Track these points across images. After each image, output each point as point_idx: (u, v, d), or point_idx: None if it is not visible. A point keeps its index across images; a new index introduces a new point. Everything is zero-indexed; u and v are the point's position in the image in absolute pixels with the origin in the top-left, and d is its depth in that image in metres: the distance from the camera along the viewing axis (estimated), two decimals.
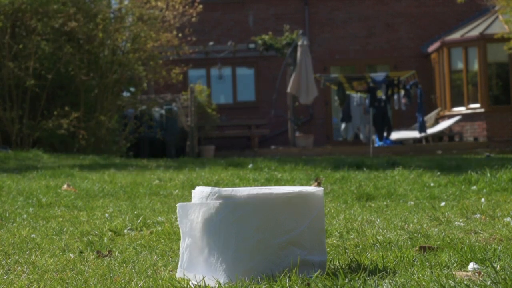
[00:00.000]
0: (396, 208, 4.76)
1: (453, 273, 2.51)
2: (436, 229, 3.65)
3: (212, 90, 21.54)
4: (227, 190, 2.57)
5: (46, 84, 13.35)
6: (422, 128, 17.92)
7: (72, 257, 3.19)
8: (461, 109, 20.19)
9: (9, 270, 2.92)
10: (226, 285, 2.47)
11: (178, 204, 2.69)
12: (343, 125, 17.66)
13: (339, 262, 2.84)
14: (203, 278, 2.52)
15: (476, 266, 2.61)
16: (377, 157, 11.89)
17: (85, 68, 13.72)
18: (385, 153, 16.43)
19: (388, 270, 2.60)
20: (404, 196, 5.43)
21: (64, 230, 4.01)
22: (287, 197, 2.59)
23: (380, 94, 16.94)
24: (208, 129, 19.17)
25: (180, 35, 15.38)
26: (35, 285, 2.64)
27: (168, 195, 5.92)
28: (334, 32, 22.21)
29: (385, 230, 3.66)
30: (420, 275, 2.45)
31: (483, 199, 5.08)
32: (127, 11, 14.62)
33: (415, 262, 2.76)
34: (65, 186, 6.42)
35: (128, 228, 4.00)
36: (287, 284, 2.38)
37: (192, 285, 2.50)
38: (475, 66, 20.25)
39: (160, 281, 2.58)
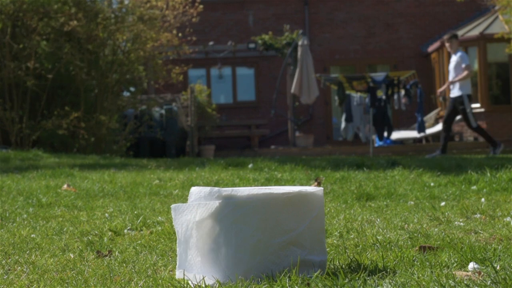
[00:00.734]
0: (396, 208, 4.76)
1: (453, 273, 2.51)
2: (436, 229, 3.65)
3: (212, 90, 21.55)
4: (227, 190, 2.57)
5: (46, 84, 13.35)
6: (421, 128, 17.91)
7: (72, 257, 3.19)
8: None
9: (9, 270, 2.92)
10: (226, 285, 2.47)
11: (172, 206, 2.69)
12: (343, 125, 17.66)
13: (339, 262, 2.85)
14: (203, 278, 2.52)
15: (476, 266, 2.61)
16: (377, 157, 11.89)
17: (85, 68, 13.72)
18: (385, 153, 16.43)
19: (388, 270, 2.60)
20: (404, 196, 5.43)
21: (64, 230, 4.01)
22: (287, 197, 2.59)
23: (380, 94, 16.94)
24: (208, 129, 19.17)
25: (180, 35, 15.38)
26: (35, 285, 2.64)
27: (168, 195, 5.92)
28: (334, 32, 22.22)
29: (385, 230, 3.66)
30: (420, 275, 2.45)
31: (483, 199, 5.08)
32: (128, 11, 14.62)
33: (415, 262, 2.76)
34: (65, 186, 6.42)
35: (128, 228, 4.00)
36: (287, 284, 2.38)
37: (192, 285, 2.50)
38: (475, 66, 20.25)
39: (160, 281, 2.58)
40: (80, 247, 3.45)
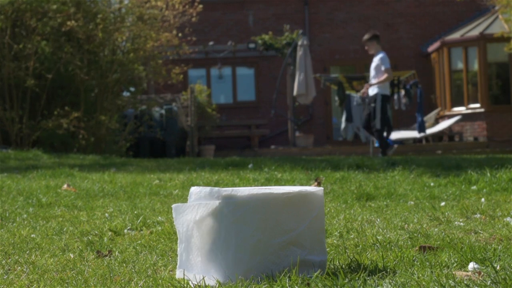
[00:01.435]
0: (396, 208, 4.76)
1: (453, 273, 2.51)
2: (436, 229, 3.65)
3: (212, 90, 21.55)
4: (227, 190, 2.57)
5: (46, 84, 13.35)
6: (421, 128, 17.92)
7: (72, 257, 3.19)
8: (461, 109, 20.20)
9: (9, 270, 2.92)
10: (226, 285, 2.47)
11: (173, 206, 2.69)
12: (343, 125, 17.66)
13: (339, 262, 2.85)
14: (203, 278, 2.52)
15: (476, 266, 2.61)
16: (377, 157, 11.88)
17: (85, 68, 13.72)
18: None
19: (388, 270, 2.60)
20: (404, 196, 5.43)
21: (64, 230, 4.01)
22: (287, 197, 2.59)
23: None
24: (208, 129, 19.18)
25: (180, 35, 15.38)
26: (35, 285, 2.64)
27: (168, 195, 5.92)
28: (334, 32, 22.22)
29: (385, 230, 3.66)
30: (420, 275, 2.45)
31: (483, 199, 5.08)
32: (127, 10, 14.61)
33: (415, 262, 2.76)
34: (65, 186, 6.42)
35: (128, 228, 4.00)
36: (287, 284, 2.38)
37: (192, 285, 2.50)
38: (475, 66, 20.25)
39: (160, 281, 2.58)
40: (80, 247, 3.45)
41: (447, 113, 20.41)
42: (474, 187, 5.80)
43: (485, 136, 19.57)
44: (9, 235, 3.84)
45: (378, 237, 3.39)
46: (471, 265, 2.62)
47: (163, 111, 16.62)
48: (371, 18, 22.20)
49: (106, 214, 4.67)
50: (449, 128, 19.71)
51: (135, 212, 4.73)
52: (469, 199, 5.14)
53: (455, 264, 2.70)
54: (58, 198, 5.57)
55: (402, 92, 17.07)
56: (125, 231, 3.92)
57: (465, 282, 2.27)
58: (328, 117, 22.31)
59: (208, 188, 2.60)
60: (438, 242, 3.20)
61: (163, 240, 3.56)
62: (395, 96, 17.12)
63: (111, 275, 2.73)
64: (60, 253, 3.29)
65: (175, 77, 14.94)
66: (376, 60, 12.42)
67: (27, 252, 3.32)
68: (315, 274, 2.44)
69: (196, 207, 2.59)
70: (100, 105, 13.85)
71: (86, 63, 13.80)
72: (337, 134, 21.39)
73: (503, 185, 5.71)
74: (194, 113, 17.54)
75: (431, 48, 21.40)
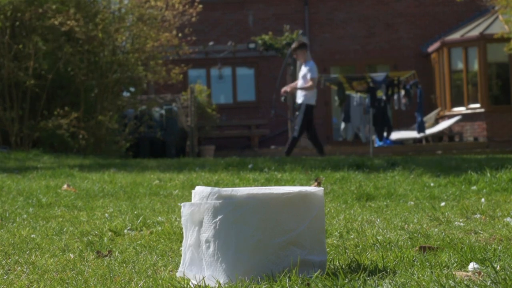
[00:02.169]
0: (396, 208, 4.75)
1: (453, 273, 2.51)
2: (436, 229, 3.65)
3: (212, 90, 21.56)
4: (227, 190, 2.57)
5: (46, 84, 13.35)
6: (421, 128, 17.92)
7: (72, 257, 3.19)
8: (461, 109, 20.20)
9: (9, 270, 2.92)
10: (226, 285, 2.48)
11: (182, 204, 2.69)
12: (342, 125, 17.66)
13: (339, 262, 2.84)
14: (203, 278, 2.52)
15: (476, 266, 2.61)
16: (377, 157, 11.88)
17: (85, 68, 13.72)
18: (385, 153, 16.42)
19: (388, 270, 2.60)
20: (404, 196, 5.43)
21: (64, 230, 4.01)
22: (287, 197, 2.59)
23: (380, 94, 16.94)
24: (208, 129, 19.18)
25: (180, 35, 15.38)
26: (35, 285, 2.64)
27: (168, 195, 5.92)
28: (334, 32, 22.22)
29: (385, 230, 3.66)
30: (420, 275, 2.45)
31: (483, 199, 5.08)
32: (127, 11, 14.61)
33: (415, 262, 2.76)
34: (65, 186, 6.42)
35: (128, 228, 4.00)
36: (287, 284, 2.38)
37: (192, 285, 2.50)
38: (475, 66, 20.25)
39: (160, 281, 2.58)
40: (80, 247, 3.45)
41: (447, 113, 20.41)
42: (474, 187, 5.80)
43: (485, 136, 19.58)
44: (9, 235, 3.84)
45: (378, 237, 3.39)
46: (471, 265, 2.62)
47: (163, 111, 16.62)
48: (371, 18, 22.20)
49: (106, 214, 4.67)
50: (449, 128, 19.72)
51: (135, 212, 4.73)
52: (469, 199, 5.14)
53: (455, 264, 2.70)
54: (58, 198, 5.57)
55: (402, 92, 17.08)
56: (125, 231, 3.92)
57: (465, 283, 2.27)
58: (328, 117, 22.31)
59: (208, 188, 2.61)
60: (438, 242, 3.20)
61: (163, 240, 3.56)
62: (395, 96, 17.13)
63: (111, 275, 2.73)
64: (60, 253, 3.29)
65: (175, 77, 14.94)
66: (304, 69, 12.58)
67: (27, 252, 3.32)
68: (315, 274, 2.44)
69: (198, 207, 2.60)
70: (100, 105, 13.85)
71: (86, 63, 13.80)
72: (337, 134, 21.40)
73: (503, 185, 5.71)
74: (194, 113, 17.54)
75: (431, 48, 21.40)
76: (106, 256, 3.19)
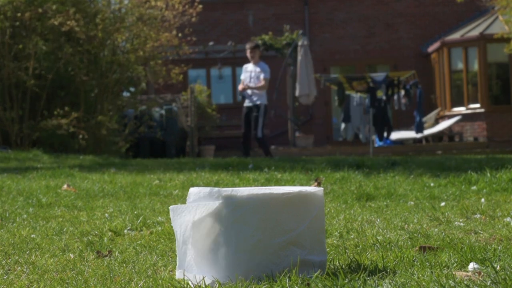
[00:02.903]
0: (396, 208, 4.75)
1: (453, 273, 2.51)
2: (436, 229, 3.65)
3: (212, 90, 21.55)
4: (227, 190, 2.57)
5: (46, 84, 13.35)
6: (419, 128, 17.92)
7: (72, 257, 3.19)
8: (461, 109, 20.20)
9: (9, 270, 2.92)
10: (226, 285, 2.48)
11: (170, 207, 2.69)
12: (343, 125, 17.66)
13: (339, 262, 2.85)
14: (203, 278, 2.52)
15: (476, 266, 2.61)
16: (377, 157, 11.89)
17: (85, 68, 13.72)
18: (385, 153, 16.43)
19: (388, 270, 2.60)
20: (404, 196, 5.43)
21: (64, 230, 4.01)
22: (287, 197, 2.59)
23: (380, 94, 16.95)
24: (208, 129, 19.18)
25: (180, 35, 15.38)
26: (35, 285, 2.64)
27: (168, 195, 5.92)
28: (334, 32, 22.22)
29: (385, 230, 3.66)
30: (420, 275, 2.45)
31: (483, 199, 5.08)
32: (127, 11, 14.61)
33: (415, 262, 2.76)
34: (65, 186, 6.42)
35: (128, 228, 4.00)
36: (287, 284, 2.38)
37: (192, 285, 2.50)
38: (475, 66, 20.26)
39: (160, 281, 2.58)
40: (80, 247, 3.45)
41: (447, 113, 20.41)
42: (474, 187, 5.80)
43: (485, 136, 19.58)
44: (9, 235, 3.84)
45: (378, 237, 3.39)
46: (471, 265, 2.62)
47: (163, 111, 16.62)
48: (371, 18, 22.20)
49: (106, 214, 4.67)
50: (449, 128, 19.72)
51: (135, 212, 4.73)
52: (469, 199, 5.14)
53: (455, 264, 2.70)
54: (58, 198, 5.57)
55: (402, 92, 17.08)
56: (125, 231, 3.92)
57: (465, 283, 2.27)
58: (328, 117, 22.31)
59: (207, 188, 2.60)
60: (438, 242, 3.20)
61: (163, 241, 3.56)
62: (395, 96, 17.13)
63: (111, 275, 2.73)
64: (60, 253, 3.29)
65: (175, 77, 14.94)
66: (256, 70, 12.76)
67: (27, 252, 3.32)
68: (315, 274, 2.44)
69: (195, 208, 2.59)
70: (100, 105, 13.85)
71: (86, 63, 13.80)
72: (337, 134, 21.40)
73: (503, 185, 5.71)
74: (194, 113, 17.54)
75: (431, 48, 21.41)
76: (106, 256, 3.19)
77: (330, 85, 18.59)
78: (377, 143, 17.90)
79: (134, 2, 14.58)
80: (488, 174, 6.23)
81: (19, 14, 13.25)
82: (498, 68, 20.68)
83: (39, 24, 13.29)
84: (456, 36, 20.58)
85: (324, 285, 2.33)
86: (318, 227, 2.68)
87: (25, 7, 13.29)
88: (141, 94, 16.97)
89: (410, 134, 19.17)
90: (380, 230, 3.68)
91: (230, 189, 2.57)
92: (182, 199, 5.52)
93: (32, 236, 3.81)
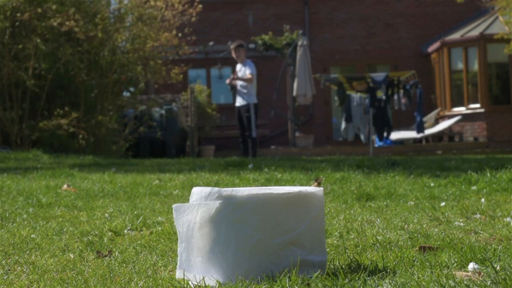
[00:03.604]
0: (396, 208, 4.75)
1: (453, 273, 2.51)
2: (436, 229, 3.65)
3: (212, 90, 21.55)
4: (227, 190, 2.57)
5: (46, 84, 13.35)
6: (420, 128, 17.92)
7: (72, 257, 3.19)
8: (461, 109, 20.20)
9: (9, 270, 2.92)
10: (226, 285, 2.47)
11: (173, 206, 2.69)
12: (343, 125, 17.66)
13: (339, 262, 2.84)
14: (203, 278, 2.52)
15: (476, 266, 2.61)
16: (377, 157, 11.88)
17: (84, 68, 13.72)
18: (385, 153, 16.43)
19: (388, 270, 2.60)
20: (404, 196, 5.43)
21: (64, 230, 4.01)
22: (287, 197, 2.59)
23: (380, 94, 16.95)
24: (208, 129, 19.18)
25: (180, 35, 15.38)
26: (35, 285, 2.64)
27: (168, 195, 5.92)
28: (334, 32, 22.22)
29: (385, 230, 3.66)
30: (420, 275, 2.45)
31: (483, 199, 5.08)
32: (127, 11, 14.61)
33: (415, 262, 2.76)
34: (65, 186, 6.42)
35: (128, 228, 4.00)
36: (287, 284, 2.38)
37: (192, 285, 2.50)
38: (475, 66, 20.26)
39: (160, 281, 2.58)
40: (80, 247, 3.45)
41: (447, 113, 20.41)
42: (474, 187, 5.80)
43: (485, 136, 19.58)
44: (9, 235, 3.84)
45: (378, 237, 3.39)
46: (471, 265, 2.62)
47: (163, 111, 16.62)
48: (371, 18, 22.20)
49: (106, 214, 4.67)
50: (449, 128, 19.72)
51: (135, 212, 4.73)
52: (469, 199, 5.14)
53: (455, 264, 2.70)
54: (58, 198, 5.57)
55: (402, 92, 17.08)
56: (125, 231, 3.92)
57: (465, 283, 2.27)
58: (328, 117, 22.31)
59: (208, 188, 2.60)
60: (438, 242, 3.20)
61: (163, 241, 3.56)
62: (395, 97, 17.13)
63: (111, 275, 2.73)
64: (60, 253, 3.29)
65: (174, 77, 14.93)
66: (243, 69, 12.92)
67: (27, 252, 3.32)
68: (315, 274, 2.44)
69: (197, 207, 2.59)
70: (100, 105, 13.85)
71: (86, 63, 13.80)
72: (337, 134, 21.40)
73: (503, 185, 5.71)
74: (194, 113, 17.54)
75: (431, 48, 21.40)
76: (106, 256, 3.19)
77: (330, 85, 18.59)
78: (377, 143, 17.90)
79: (134, 2, 14.58)
80: (488, 174, 6.23)
81: (19, 14, 13.25)
82: (498, 68, 20.68)
83: (39, 24, 13.29)
84: (456, 36, 20.58)
85: (324, 285, 2.33)
86: (318, 227, 2.68)
87: (25, 7, 13.29)
88: (141, 94, 16.97)
89: (410, 134, 19.17)
90: (380, 230, 3.68)
91: (230, 189, 2.57)
92: (182, 199, 5.52)
93: (32, 236, 3.81)
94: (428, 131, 18.95)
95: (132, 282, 2.61)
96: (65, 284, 2.62)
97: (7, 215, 4.69)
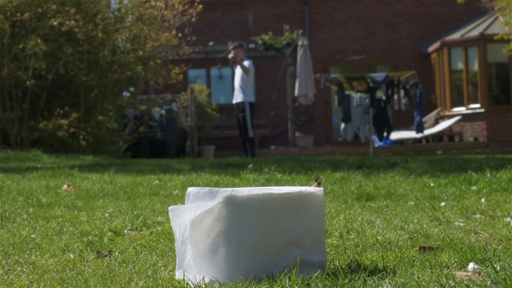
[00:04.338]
0: (396, 208, 4.76)
1: (453, 273, 2.51)
2: (436, 229, 3.65)
3: (212, 90, 21.55)
4: (227, 190, 2.57)
5: (46, 84, 13.34)
6: (419, 128, 17.92)
7: (72, 257, 3.19)
8: (461, 109, 20.20)
9: (9, 270, 2.92)
10: (226, 285, 2.48)
11: (169, 208, 2.69)
12: (342, 125, 17.66)
13: (339, 262, 2.85)
14: (203, 278, 2.52)
15: (476, 266, 2.61)
16: (377, 157, 11.88)
17: (85, 68, 13.72)
18: (385, 153, 16.42)
19: (388, 270, 2.60)
20: (404, 196, 5.43)
21: (64, 230, 4.01)
22: (287, 197, 2.59)
23: (380, 94, 16.95)
24: (208, 129, 19.18)
25: (180, 35, 15.38)
26: (35, 285, 2.64)
27: (168, 195, 5.92)
28: (334, 32, 22.22)
29: (385, 230, 3.66)
30: (420, 275, 2.45)
31: (483, 199, 5.08)
32: (127, 11, 14.61)
33: (415, 262, 2.76)
34: (65, 186, 6.42)
35: (128, 228, 4.00)
36: (287, 284, 2.38)
37: (192, 286, 2.50)
38: (475, 66, 20.26)
39: (160, 281, 2.58)
40: (80, 247, 3.45)
41: (447, 113, 20.41)
42: (474, 187, 5.80)
43: (485, 136, 19.58)
44: (9, 235, 3.84)
45: (378, 238, 3.39)
46: (471, 265, 2.62)
47: (163, 111, 16.62)
48: (371, 18, 22.20)
49: (106, 214, 4.67)
50: (449, 128, 19.72)
51: (135, 212, 4.73)
52: (469, 199, 5.14)
53: (455, 264, 2.70)
54: (58, 198, 5.57)
55: (402, 92, 17.08)
56: (125, 231, 3.92)
57: (465, 283, 2.27)
58: (328, 117, 22.30)
59: (207, 188, 2.60)
60: (438, 242, 3.20)
61: (163, 240, 3.56)
62: (395, 96, 17.13)
63: (111, 275, 2.73)
64: (60, 253, 3.29)
65: (174, 77, 14.93)
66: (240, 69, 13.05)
67: (27, 252, 3.32)
68: (315, 274, 2.44)
69: (195, 208, 2.59)
70: (100, 105, 13.85)
71: (86, 63, 13.79)
72: (337, 134, 21.40)
73: (503, 185, 5.71)
74: (194, 113, 17.54)
75: (431, 48, 21.40)
76: (106, 256, 3.19)
77: (330, 85, 18.59)
78: (377, 143, 17.90)
79: (134, 2, 14.58)
80: (488, 174, 6.23)
81: (19, 14, 13.24)
82: (498, 68, 20.68)
83: (39, 24, 13.28)
84: (456, 36, 20.58)
85: (324, 285, 2.33)
86: (318, 227, 2.68)
87: (25, 7, 13.29)
88: (141, 94, 16.97)
89: (410, 134, 19.17)
90: (380, 230, 3.68)
91: (230, 189, 2.57)
92: (182, 199, 5.52)
93: (32, 236, 3.81)
94: (428, 131, 18.95)
95: (132, 282, 2.61)
96: (65, 284, 2.62)
97: (7, 215, 4.69)
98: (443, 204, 4.88)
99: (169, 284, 2.52)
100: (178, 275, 2.65)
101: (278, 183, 6.71)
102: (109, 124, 13.66)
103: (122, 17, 14.51)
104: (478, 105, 19.97)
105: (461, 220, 4.01)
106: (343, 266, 2.77)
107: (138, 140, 15.44)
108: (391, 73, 17.79)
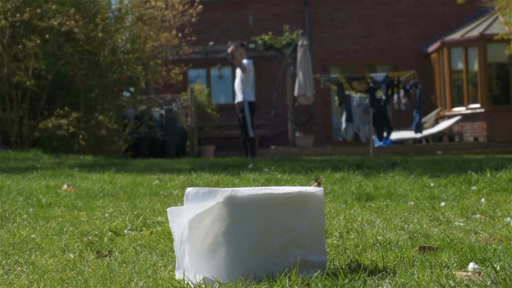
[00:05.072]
0: (396, 208, 4.75)
1: (453, 273, 2.51)
2: (436, 229, 3.65)
3: (212, 90, 21.55)
4: (227, 190, 2.56)
5: (46, 84, 13.34)
6: (418, 128, 17.92)
7: (72, 257, 3.19)
8: (461, 109, 20.20)
9: (9, 270, 2.92)
10: (226, 285, 2.47)
11: (168, 209, 2.69)
12: (343, 125, 17.66)
13: (339, 262, 2.84)
14: (203, 278, 2.52)
15: (476, 266, 2.61)
16: (377, 157, 11.88)
17: (85, 68, 13.72)
18: (385, 153, 16.42)
19: (388, 270, 2.60)
20: (404, 196, 5.43)
21: (64, 230, 4.01)
22: (287, 197, 2.59)
23: (380, 94, 16.95)
24: (208, 129, 19.18)
25: (180, 35, 15.38)
26: (35, 285, 2.64)
27: (168, 195, 5.92)
28: (334, 32, 22.22)
29: (385, 230, 3.66)
30: (420, 275, 2.45)
31: (483, 199, 5.08)
32: (127, 11, 14.61)
33: (415, 262, 2.76)
34: (65, 186, 6.42)
35: (128, 228, 4.00)
36: (287, 284, 2.38)
37: (192, 285, 2.50)
38: (475, 66, 20.25)
39: (160, 281, 2.58)
40: (80, 247, 3.45)
41: (447, 113, 20.41)
42: (474, 187, 5.80)
43: (485, 136, 19.58)
44: (9, 235, 3.84)
45: (378, 237, 3.39)
46: (471, 265, 2.62)
47: (163, 111, 16.62)
48: (371, 18, 22.20)
49: (106, 215, 4.67)
50: (449, 128, 19.72)
51: (135, 212, 4.73)
52: (469, 199, 5.14)
53: (455, 264, 2.70)
54: (58, 198, 5.57)
55: (402, 92, 17.08)
56: (125, 231, 3.92)
57: (465, 283, 2.27)
58: (328, 117, 22.30)
59: (206, 189, 2.60)
60: (438, 242, 3.20)
61: (163, 240, 3.56)
62: (395, 96, 17.13)
63: (111, 275, 2.73)
64: (60, 253, 3.29)
65: (175, 77, 14.93)
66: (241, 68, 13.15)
67: (27, 252, 3.32)
68: (315, 274, 2.44)
69: (194, 208, 2.59)
70: (100, 105, 13.85)
71: (86, 63, 13.79)
72: (337, 134, 21.40)
73: (503, 185, 5.71)
74: (194, 113, 17.54)
75: (431, 48, 21.40)
76: (106, 256, 3.19)
77: (330, 85, 18.59)
78: (377, 143, 17.90)
79: (134, 2, 14.58)
80: (488, 174, 6.23)
81: (18, 14, 13.24)
82: (498, 68, 20.68)
83: (39, 24, 13.28)
84: (456, 36, 20.58)
85: (324, 285, 2.33)
86: (318, 227, 2.68)
87: (25, 7, 13.29)
88: (141, 94, 16.96)
89: (410, 134, 19.17)
90: (380, 230, 3.68)
91: (230, 189, 2.57)
92: (182, 199, 5.51)
93: (32, 236, 3.81)
94: (428, 131, 18.95)
95: (132, 282, 2.61)
96: (65, 284, 2.62)
97: (7, 215, 4.69)
98: (443, 204, 4.88)
99: (169, 284, 2.52)
100: (178, 275, 2.65)
101: (278, 183, 6.71)
102: (109, 124, 13.65)
103: (122, 17, 14.52)
104: (478, 105, 19.98)
105: (461, 220, 4.01)
106: (343, 266, 2.77)
107: (138, 140, 15.43)
108: (391, 73, 17.79)
